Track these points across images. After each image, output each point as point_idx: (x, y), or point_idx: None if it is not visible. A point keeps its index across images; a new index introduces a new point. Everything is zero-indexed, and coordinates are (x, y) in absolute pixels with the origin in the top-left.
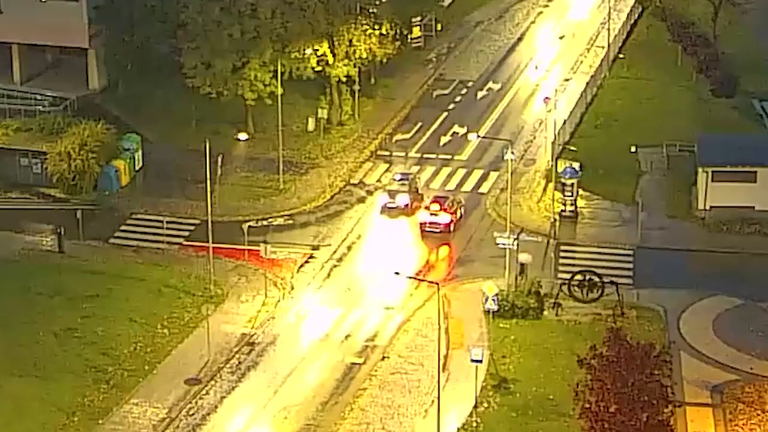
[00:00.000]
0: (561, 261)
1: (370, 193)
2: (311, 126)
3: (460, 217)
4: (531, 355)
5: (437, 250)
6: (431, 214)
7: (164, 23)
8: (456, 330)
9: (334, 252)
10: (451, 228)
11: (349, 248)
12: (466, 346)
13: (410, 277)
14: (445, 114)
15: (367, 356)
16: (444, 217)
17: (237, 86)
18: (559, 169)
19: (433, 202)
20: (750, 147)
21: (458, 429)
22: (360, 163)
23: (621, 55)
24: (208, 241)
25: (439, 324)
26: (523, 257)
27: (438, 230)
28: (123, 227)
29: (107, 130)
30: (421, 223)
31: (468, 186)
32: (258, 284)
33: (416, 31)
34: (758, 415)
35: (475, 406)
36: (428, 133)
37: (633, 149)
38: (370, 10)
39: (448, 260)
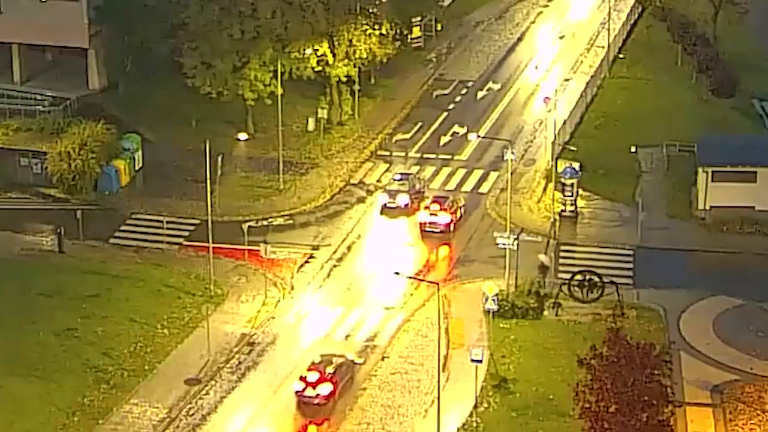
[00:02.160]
0: (561, 261)
1: (370, 193)
2: (311, 126)
3: (460, 217)
4: (531, 355)
5: (437, 250)
6: (431, 214)
7: (164, 23)
8: (456, 330)
9: (334, 252)
10: (451, 228)
11: (349, 248)
12: (466, 346)
13: (410, 277)
14: (445, 114)
15: (367, 356)
16: (444, 217)
17: (237, 86)
18: (559, 169)
19: (433, 202)
20: (750, 147)
21: (458, 429)
22: (360, 163)
23: (621, 55)
24: (208, 241)
25: (439, 324)
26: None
27: (438, 230)
28: (123, 227)
29: (107, 130)
30: (421, 223)
31: (468, 186)
32: (258, 284)
33: (416, 31)
34: (758, 415)
35: (475, 406)
36: (428, 133)
37: (633, 149)
38: (370, 10)
39: (448, 260)
